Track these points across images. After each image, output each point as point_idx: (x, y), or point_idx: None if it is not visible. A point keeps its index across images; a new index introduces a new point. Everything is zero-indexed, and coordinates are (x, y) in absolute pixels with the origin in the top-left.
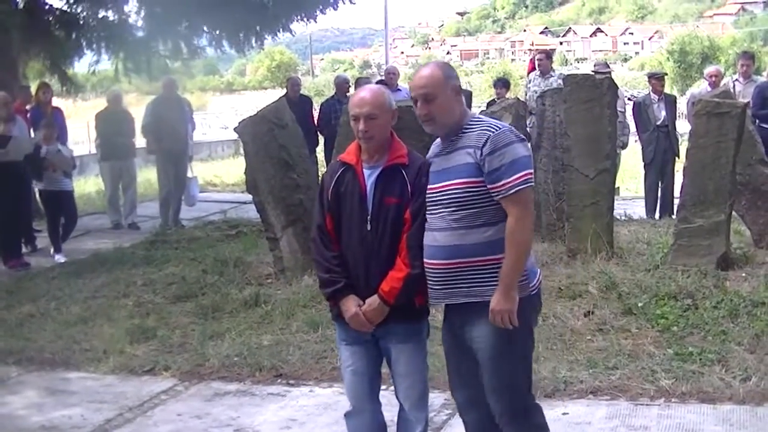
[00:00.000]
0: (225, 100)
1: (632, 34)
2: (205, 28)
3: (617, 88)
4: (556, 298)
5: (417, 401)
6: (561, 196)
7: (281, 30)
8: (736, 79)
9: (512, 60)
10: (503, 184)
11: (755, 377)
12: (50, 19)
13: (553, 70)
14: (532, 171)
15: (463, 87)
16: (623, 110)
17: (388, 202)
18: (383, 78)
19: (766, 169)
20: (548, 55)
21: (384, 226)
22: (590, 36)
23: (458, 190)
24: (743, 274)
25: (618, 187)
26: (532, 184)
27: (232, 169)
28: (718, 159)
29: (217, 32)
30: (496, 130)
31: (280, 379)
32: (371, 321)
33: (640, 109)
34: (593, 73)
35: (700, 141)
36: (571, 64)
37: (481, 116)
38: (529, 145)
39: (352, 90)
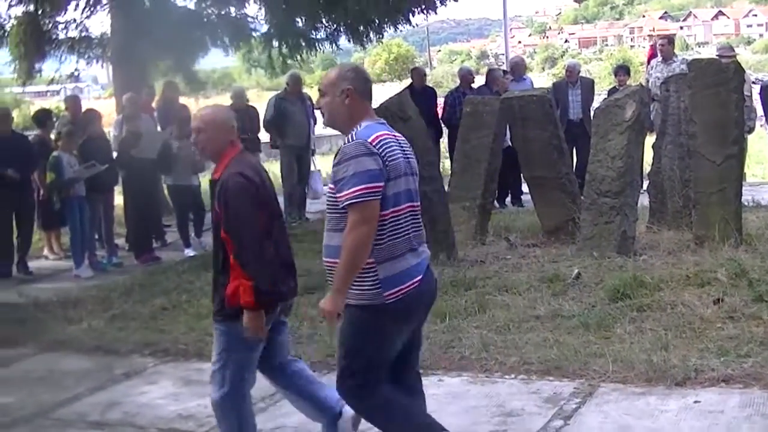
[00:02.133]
0: None
1: (756, 15)
2: (324, 22)
3: (744, 71)
4: (684, 286)
5: None
6: (687, 183)
7: (401, 22)
8: None
9: (631, 47)
10: (342, 195)
11: None
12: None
13: (676, 56)
14: (374, 185)
15: (583, 75)
16: (749, 94)
17: (215, 217)
18: (504, 69)
19: None
20: (670, 40)
21: (216, 239)
22: (711, 19)
23: (329, 195)
24: None
25: (744, 173)
26: (371, 198)
27: None
28: None
29: (335, 26)
30: (349, 142)
31: None
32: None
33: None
34: (718, 57)
35: None
36: (692, 49)
37: (369, 124)
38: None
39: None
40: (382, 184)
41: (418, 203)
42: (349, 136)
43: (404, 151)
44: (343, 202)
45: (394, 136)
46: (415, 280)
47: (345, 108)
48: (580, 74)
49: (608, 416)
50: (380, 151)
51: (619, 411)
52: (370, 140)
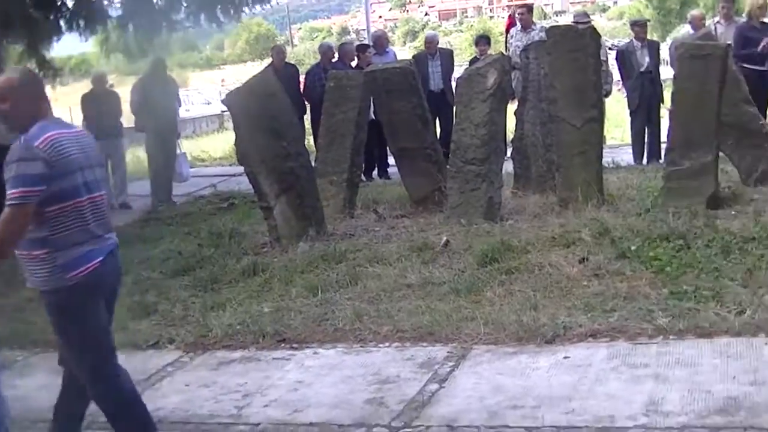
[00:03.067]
0: (205, 76)
1: None
2: (183, 3)
3: (600, 37)
4: (550, 248)
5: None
6: (550, 147)
7: (260, 1)
8: (717, 21)
9: (491, 17)
10: (7, 194)
11: (749, 310)
12: (27, 0)
13: (534, 24)
14: (31, 190)
15: (444, 47)
16: (605, 59)
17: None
18: (366, 42)
19: (750, 108)
20: (529, 8)
21: None
22: None
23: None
24: (733, 212)
25: (604, 136)
26: (25, 202)
27: (218, 143)
28: (703, 101)
29: (194, 7)
30: (20, 143)
31: (283, 343)
32: None
33: (624, 56)
34: (574, 24)
35: (685, 84)
36: (550, 17)
37: (43, 125)
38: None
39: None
40: (40, 188)
41: (100, 193)
42: (21, 137)
43: (81, 145)
44: (6, 202)
45: (69, 132)
46: (94, 262)
47: (20, 111)
48: (439, 45)
49: (482, 377)
50: (47, 152)
51: (492, 371)
52: (37, 143)
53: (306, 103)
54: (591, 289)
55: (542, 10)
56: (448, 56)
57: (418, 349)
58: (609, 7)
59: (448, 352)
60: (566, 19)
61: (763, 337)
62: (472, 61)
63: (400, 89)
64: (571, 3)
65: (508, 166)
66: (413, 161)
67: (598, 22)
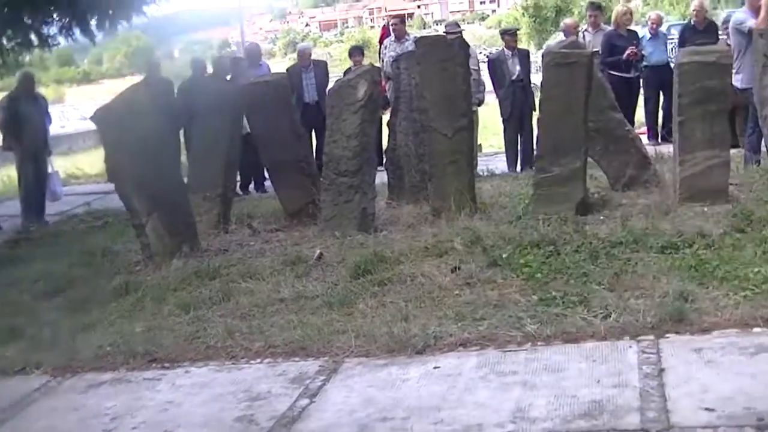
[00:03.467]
0: (83, 91)
1: None
2: (55, 17)
3: (468, 46)
4: (423, 258)
5: None
6: (422, 157)
7: (134, 14)
8: (586, 29)
9: (371, 27)
10: None
11: (615, 314)
12: None
13: (408, 34)
14: None
15: (318, 58)
16: (477, 68)
17: None
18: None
19: (616, 115)
20: (402, 19)
21: None
22: None
23: None
24: (601, 217)
25: (480, 144)
26: None
27: (94, 160)
28: (570, 108)
29: (67, 20)
30: None
31: (155, 363)
32: None
33: (495, 65)
34: (445, 34)
35: (552, 91)
36: (430, 26)
37: None
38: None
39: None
40: None
41: None
42: None
43: None
44: None
45: None
46: None
47: None
48: (314, 57)
49: (353, 390)
50: None
51: (363, 384)
52: None
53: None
54: (462, 298)
55: (422, 19)
56: (322, 68)
57: (289, 365)
58: (488, 15)
59: (319, 366)
60: None
61: (627, 340)
62: (345, 72)
63: (273, 103)
64: (451, 12)
65: (384, 177)
66: (287, 174)
67: (478, 31)
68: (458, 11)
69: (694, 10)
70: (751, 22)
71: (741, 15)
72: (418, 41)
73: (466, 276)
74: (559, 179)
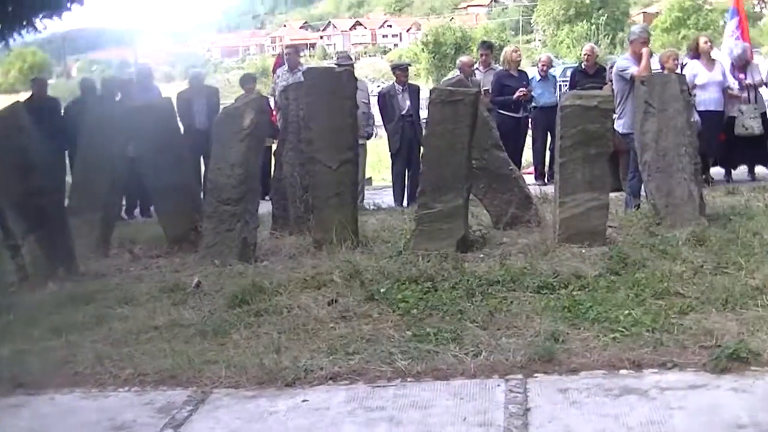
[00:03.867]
0: None
1: (390, 26)
2: None
3: (356, 79)
4: (301, 289)
5: None
6: (307, 188)
7: (25, 29)
8: (477, 68)
9: (273, 55)
10: None
11: (485, 352)
12: None
13: (301, 65)
14: None
15: (210, 84)
16: (367, 101)
17: None
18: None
19: (501, 153)
20: (296, 49)
21: None
22: (350, 29)
23: None
24: (481, 255)
25: (370, 177)
26: None
27: None
28: (454, 145)
29: None
30: None
31: (20, 389)
32: None
33: (385, 99)
34: (336, 66)
35: (437, 128)
36: (332, 57)
37: None
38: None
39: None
40: None
41: None
42: None
43: None
44: None
45: None
46: None
47: None
48: (205, 84)
49: (219, 421)
50: None
51: (230, 415)
52: None
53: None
54: (337, 332)
55: (324, 49)
56: (214, 94)
57: (158, 394)
58: (390, 49)
59: (188, 396)
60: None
61: (496, 379)
62: (237, 99)
63: (158, 127)
64: (353, 44)
65: (269, 207)
66: (170, 200)
67: (379, 64)
68: (361, 43)
69: (585, 54)
70: (633, 69)
71: (623, 62)
72: (306, 72)
73: (343, 309)
74: (440, 216)
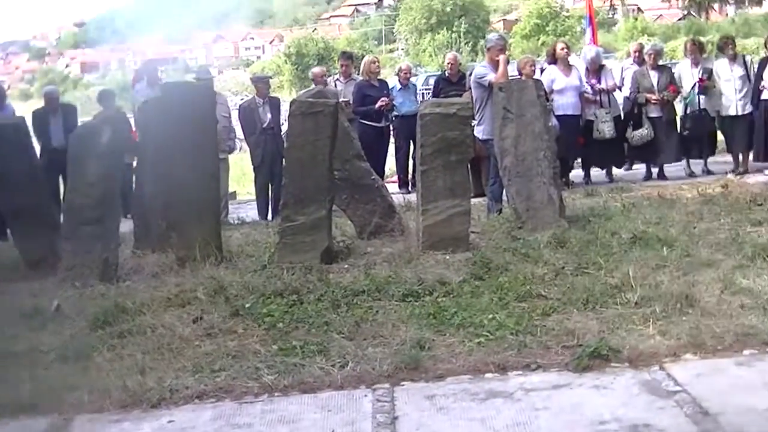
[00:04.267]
0: None
1: (253, 39)
2: None
3: (215, 94)
4: (166, 308)
5: None
6: (168, 205)
7: None
8: (337, 79)
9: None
10: None
11: (352, 362)
12: None
13: (161, 79)
14: None
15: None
16: (228, 115)
17: None
18: None
19: (363, 164)
20: (156, 64)
21: None
22: (212, 42)
23: None
24: (346, 266)
25: (234, 192)
26: None
27: None
28: (315, 157)
29: None
30: None
31: None
32: None
33: (246, 112)
34: (195, 80)
35: (297, 140)
36: (194, 71)
37: None
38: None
39: None
40: None
41: None
42: None
43: None
44: None
45: None
46: None
47: None
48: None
49: None
50: None
51: None
52: None
53: None
54: (202, 349)
55: (187, 63)
56: (71, 112)
57: (17, 424)
58: (253, 61)
59: (48, 424)
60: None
61: (363, 389)
62: (95, 117)
63: (12, 147)
64: (216, 57)
65: (130, 225)
66: (25, 222)
67: (241, 77)
68: (223, 56)
69: (448, 63)
70: (490, 76)
71: (481, 69)
72: (163, 86)
73: (208, 326)
74: (304, 228)
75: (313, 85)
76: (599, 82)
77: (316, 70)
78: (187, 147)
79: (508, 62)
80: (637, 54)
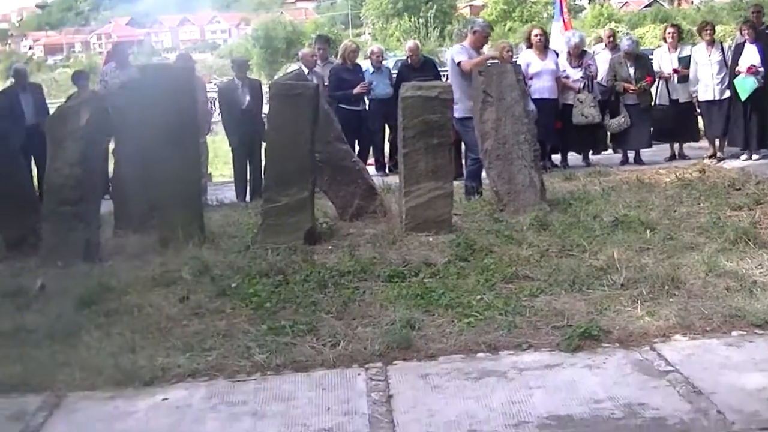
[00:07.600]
0: None
1: (219, 22)
2: None
3: (193, 77)
4: (151, 288)
5: None
6: (149, 185)
7: None
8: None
9: (100, 53)
10: None
11: (343, 342)
12: None
13: (130, 63)
14: None
15: (34, 81)
16: (205, 98)
17: None
18: None
19: (343, 146)
20: (125, 46)
21: None
22: (177, 26)
23: None
24: (329, 247)
25: (211, 173)
26: None
27: None
28: (296, 139)
29: None
30: None
31: None
32: None
33: (224, 94)
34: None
35: (278, 122)
36: (160, 54)
37: None
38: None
39: None
40: None
41: None
42: None
43: None
44: None
45: None
46: None
47: None
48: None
49: (77, 425)
50: None
51: (87, 418)
52: None
53: None
54: (191, 329)
55: (153, 46)
56: (38, 91)
57: (8, 401)
58: (220, 45)
59: (41, 401)
60: (174, 56)
61: (356, 368)
62: (68, 98)
63: None
64: (182, 41)
65: (110, 206)
66: (3, 202)
67: (208, 60)
68: (189, 39)
69: (409, 51)
70: (461, 57)
71: (458, 48)
72: (142, 69)
73: (195, 306)
74: (286, 209)
75: (302, 66)
76: (580, 67)
77: (306, 51)
78: (169, 129)
79: (487, 58)
80: (610, 39)
